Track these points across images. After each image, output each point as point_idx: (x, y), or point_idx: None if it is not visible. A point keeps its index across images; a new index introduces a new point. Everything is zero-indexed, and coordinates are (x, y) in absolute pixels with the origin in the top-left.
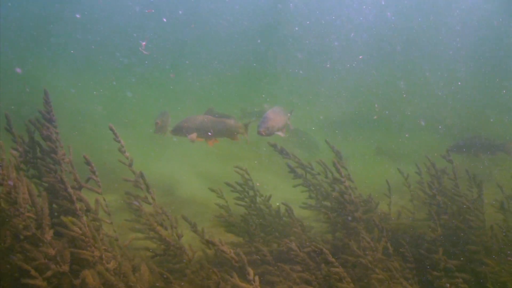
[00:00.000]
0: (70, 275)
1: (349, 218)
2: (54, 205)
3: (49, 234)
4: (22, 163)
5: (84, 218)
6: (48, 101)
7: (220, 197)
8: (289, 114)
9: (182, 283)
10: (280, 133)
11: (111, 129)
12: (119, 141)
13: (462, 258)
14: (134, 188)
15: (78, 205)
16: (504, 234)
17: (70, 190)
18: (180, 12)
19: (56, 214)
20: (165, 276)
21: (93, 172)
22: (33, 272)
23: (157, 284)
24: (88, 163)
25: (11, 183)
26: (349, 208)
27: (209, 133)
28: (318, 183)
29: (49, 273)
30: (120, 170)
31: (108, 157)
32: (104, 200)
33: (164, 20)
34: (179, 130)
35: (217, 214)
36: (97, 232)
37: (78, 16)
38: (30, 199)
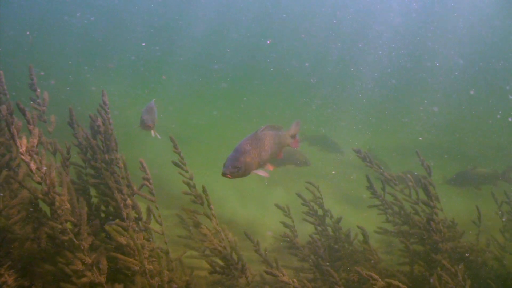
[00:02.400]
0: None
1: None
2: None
3: (87, 241)
4: (83, 161)
5: (133, 226)
6: (106, 103)
7: (287, 215)
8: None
9: None
10: (261, 172)
11: (171, 140)
12: (179, 153)
13: None
14: (189, 204)
15: (125, 213)
16: None
17: (117, 195)
18: (268, 41)
19: (111, 218)
20: None
21: (148, 180)
22: (74, 279)
23: None
24: (143, 168)
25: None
26: (435, 237)
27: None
28: (398, 204)
29: (84, 279)
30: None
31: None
32: (157, 208)
33: (268, 42)
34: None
35: (276, 234)
36: (147, 243)
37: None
38: (70, 203)
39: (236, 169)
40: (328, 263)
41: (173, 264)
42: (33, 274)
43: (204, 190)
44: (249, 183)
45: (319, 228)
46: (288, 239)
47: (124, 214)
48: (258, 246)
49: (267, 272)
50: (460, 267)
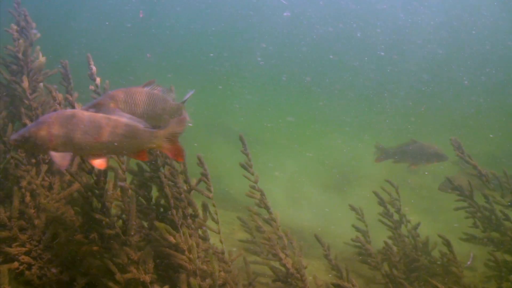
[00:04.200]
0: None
1: None
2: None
3: (134, 238)
4: None
5: (189, 223)
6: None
7: (359, 219)
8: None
9: None
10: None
11: (241, 140)
12: (247, 154)
13: None
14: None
15: (176, 210)
16: None
17: (167, 190)
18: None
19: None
20: None
21: (205, 175)
22: (118, 275)
23: None
24: (201, 163)
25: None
26: None
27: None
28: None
29: (128, 275)
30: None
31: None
32: (214, 206)
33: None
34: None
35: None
36: (203, 242)
37: None
38: (120, 196)
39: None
40: (403, 274)
41: (230, 266)
42: (76, 269)
43: (262, 194)
44: (300, 186)
45: (395, 233)
46: (360, 244)
47: (174, 211)
48: (329, 251)
49: (334, 285)
50: None
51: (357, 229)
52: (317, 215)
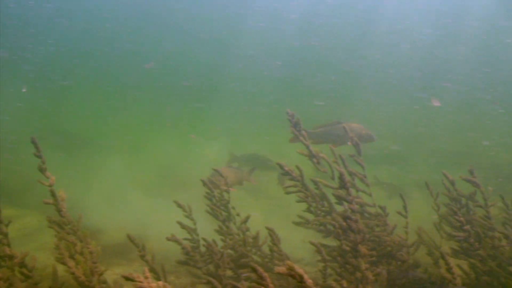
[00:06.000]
0: None
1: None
2: None
3: None
4: None
5: None
6: None
7: (187, 216)
8: None
9: None
10: None
11: (33, 142)
12: (40, 157)
13: None
14: None
15: None
16: None
17: None
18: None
19: None
20: None
21: None
22: None
23: None
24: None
25: None
26: (353, 238)
27: None
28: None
29: None
30: None
31: None
32: None
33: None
34: None
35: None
36: None
37: None
38: None
39: None
40: (230, 271)
41: None
42: None
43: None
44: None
45: (223, 227)
46: (177, 242)
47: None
48: (144, 252)
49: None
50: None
51: (183, 227)
52: (143, 219)
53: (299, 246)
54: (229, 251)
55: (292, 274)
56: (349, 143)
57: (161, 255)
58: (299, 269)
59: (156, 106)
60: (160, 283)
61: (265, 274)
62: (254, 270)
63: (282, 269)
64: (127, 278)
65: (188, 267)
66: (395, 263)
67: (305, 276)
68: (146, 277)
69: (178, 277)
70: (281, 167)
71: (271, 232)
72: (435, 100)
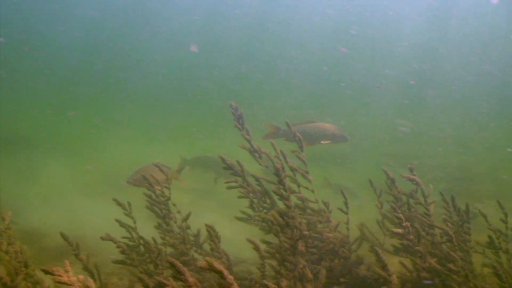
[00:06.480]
0: None
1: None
2: None
3: None
4: None
5: None
6: None
7: (127, 214)
8: None
9: None
10: None
11: None
12: None
13: None
14: None
15: None
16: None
17: None
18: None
19: None
20: None
21: None
22: None
23: None
24: None
25: None
26: (289, 234)
27: None
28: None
29: None
30: None
31: None
32: None
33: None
34: None
35: None
36: None
37: None
38: None
39: None
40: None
41: None
42: None
43: None
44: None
45: (163, 225)
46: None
47: None
48: (78, 251)
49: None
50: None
51: (122, 225)
52: (84, 220)
53: (248, 247)
54: (169, 249)
55: (212, 269)
56: (322, 142)
57: (104, 256)
58: (219, 265)
59: (105, 107)
60: (81, 277)
61: (184, 269)
62: (172, 265)
63: (203, 263)
64: (46, 272)
65: (130, 268)
66: (338, 260)
67: (225, 272)
68: (66, 271)
69: (121, 278)
70: (223, 160)
71: (209, 229)
72: None
